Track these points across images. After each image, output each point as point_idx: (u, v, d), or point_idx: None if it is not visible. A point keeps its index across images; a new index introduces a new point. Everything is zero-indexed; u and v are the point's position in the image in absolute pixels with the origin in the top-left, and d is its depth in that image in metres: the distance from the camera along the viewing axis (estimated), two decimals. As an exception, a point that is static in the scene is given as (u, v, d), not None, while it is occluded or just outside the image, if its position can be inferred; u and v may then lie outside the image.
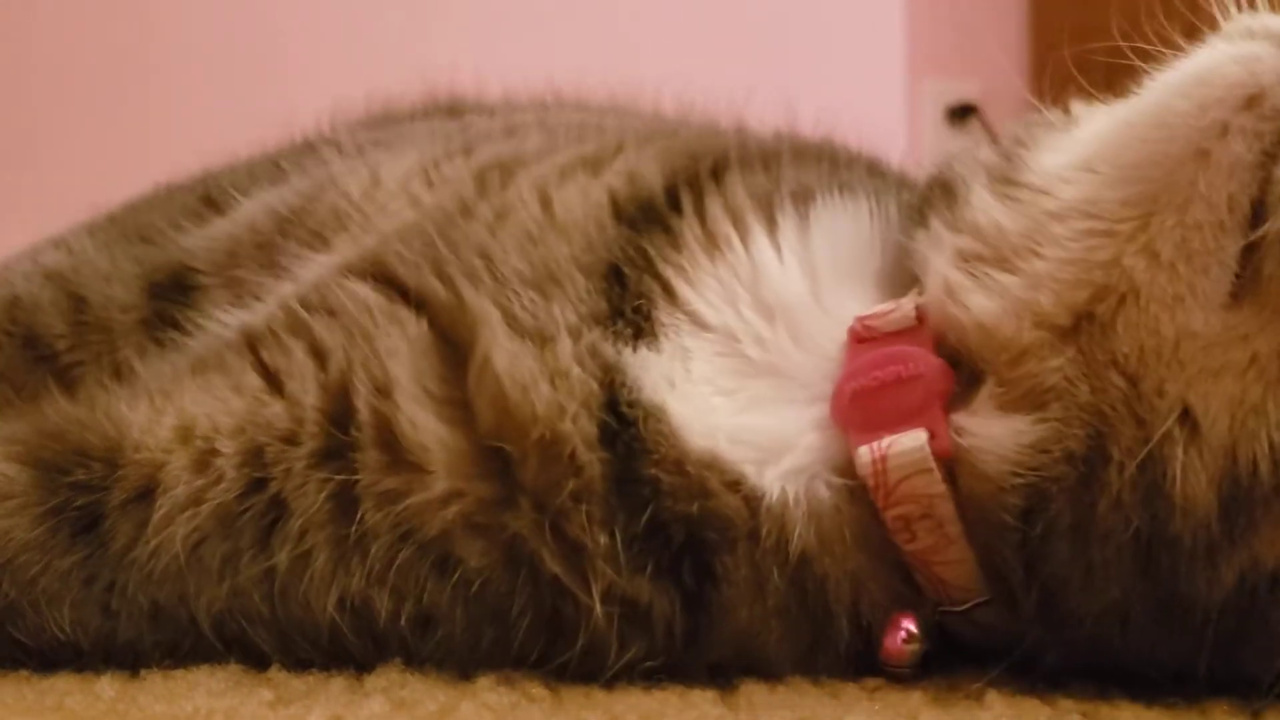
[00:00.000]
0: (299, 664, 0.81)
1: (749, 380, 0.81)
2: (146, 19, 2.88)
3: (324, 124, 1.28)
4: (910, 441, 0.76)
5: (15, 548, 0.80)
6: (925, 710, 0.75)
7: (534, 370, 0.80)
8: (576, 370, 0.80)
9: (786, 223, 0.85)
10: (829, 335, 0.81)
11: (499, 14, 2.83)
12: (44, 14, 2.86)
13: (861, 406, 0.78)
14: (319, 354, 0.84)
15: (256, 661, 0.81)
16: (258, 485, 0.81)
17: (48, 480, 0.82)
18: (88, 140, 2.81)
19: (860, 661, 0.80)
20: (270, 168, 1.09)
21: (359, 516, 0.80)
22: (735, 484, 0.78)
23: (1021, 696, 0.76)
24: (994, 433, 0.75)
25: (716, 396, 0.80)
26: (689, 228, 0.85)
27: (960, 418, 0.77)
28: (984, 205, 0.79)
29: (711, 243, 0.85)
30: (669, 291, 0.83)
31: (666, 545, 0.78)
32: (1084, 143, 0.78)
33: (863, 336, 0.80)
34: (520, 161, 0.93)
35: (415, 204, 0.95)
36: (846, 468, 0.78)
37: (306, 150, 1.13)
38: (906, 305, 0.80)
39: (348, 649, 0.81)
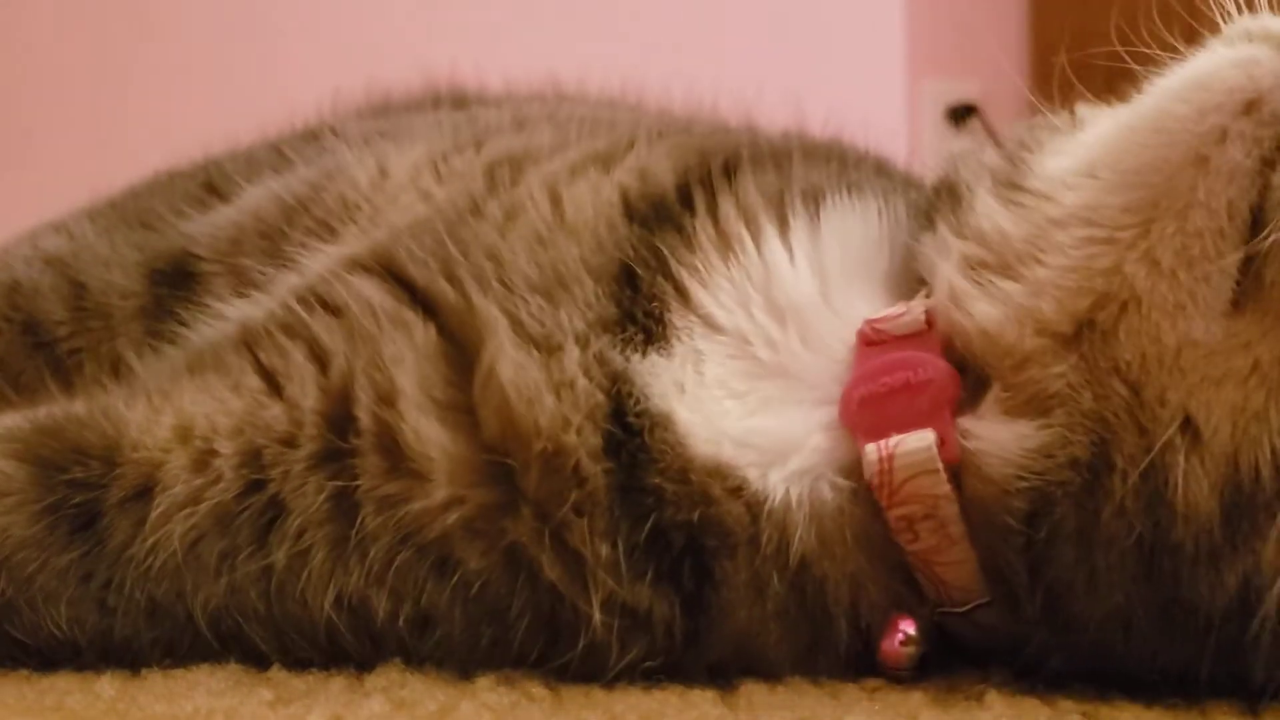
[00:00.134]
0: (299, 664, 0.81)
1: (759, 382, 0.81)
2: (145, 12, 2.88)
3: (325, 113, 1.27)
4: (917, 442, 0.76)
5: (12, 545, 0.80)
6: (925, 711, 0.75)
7: (539, 381, 0.79)
8: (582, 381, 0.80)
9: (798, 223, 0.85)
10: (838, 337, 0.81)
11: (500, 10, 2.82)
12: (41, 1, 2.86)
13: (870, 412, 0.78)
14: (319, 356, 0.83)
15: (256, 661, 0.81)
16: (256, 486, 0.81)
17: (45, 477, 0.82)
18: (83, 133, 2.80)
19: (860, 662, 0.80)
20: (274, 155, 1.09)
21: (359, 519, 0.79)
22: (738, 490, 0.78)
23: (1021, 696, 0.76)
24: (999, 437, 0.75)
25: (728, 399, 0.80)
26: (702, 227, 0.85)
27: (967, 421, 0.77)
28: (988, 210, 0.79)
29: (725, 243, 0.84)
30: (682, 293, 0.83)
31: (667, 550, 0.78)
32: (1087, 146, 0.78)
33: (872, 340, 0.80)
34: (531, 157, 0.93)
35: (425, 197, 0.94)
36: (851, 469, 0.78)
37: (310, 138, 1.13)
38: (916, 309, 0.80)
39: (345, 648, 0.81)
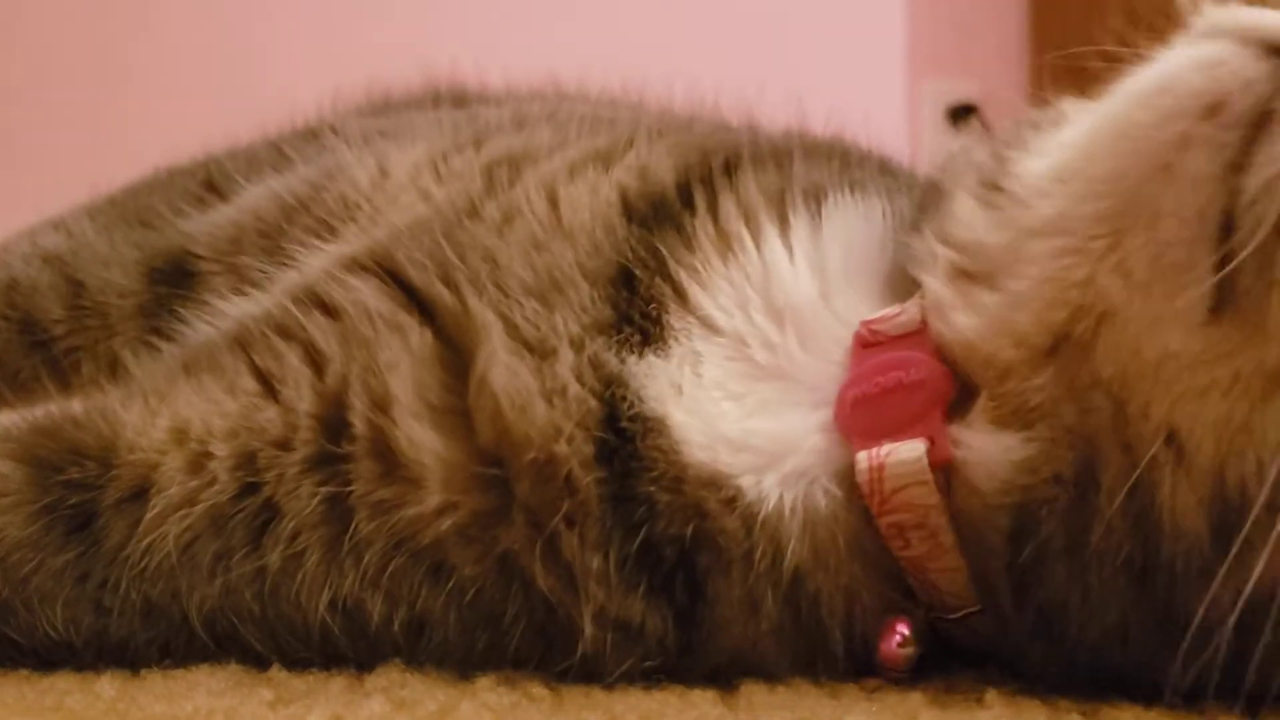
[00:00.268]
0: (299, 664, 0.81)
1: (756, 384, 0.80)
2: (144, 12, 2.88)
3: (325, 111, 1.27)
4: (908, 452, 0.75)
5: (8, 545, 0.80)
6: (924, 710, 0.74)
7: (531, 388, 0.79)
8: (575, 387, 0.79)
9: (798, 221, 0.84)
10: (836, 338, 0.80)
11: (500, 10, 2.83)
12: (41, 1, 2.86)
13: (863, 412, 0.77)
14: (315, 360, 0.83)
15: (256, 661, 0.81)
16: (250, 488, 0.81)
17: (41, 478, 0.82)
18: (82, 132, 2.81)
19: (857, 665, 0.79)
20: (273, 153, 1.08)
21: (352, 524, 0.79)
22: (732, 501, 0.77)
23: (1021, 696, 0.76)
24: (987, 448, 0.74)
25: (726, 401, 0.80)
26: (702, 227, 0.84)
27: (957, 429, 0.76)
28: (967, 216, 0.78)
29: (724, 243, 0.84)
30: (681, 294, 0.82)
31: (659, 564, 0.78)
32: (1061, 148, 0.76)
33: (868, 341, 0.79)
34: (529, 156, 0.92)
35: (425, 197, 0.94)
36: (846, 473, 0.77)
37: (310, 137, 1.12)
38: (911, 309, 0.79)
39: (340, 649, 0.81)
